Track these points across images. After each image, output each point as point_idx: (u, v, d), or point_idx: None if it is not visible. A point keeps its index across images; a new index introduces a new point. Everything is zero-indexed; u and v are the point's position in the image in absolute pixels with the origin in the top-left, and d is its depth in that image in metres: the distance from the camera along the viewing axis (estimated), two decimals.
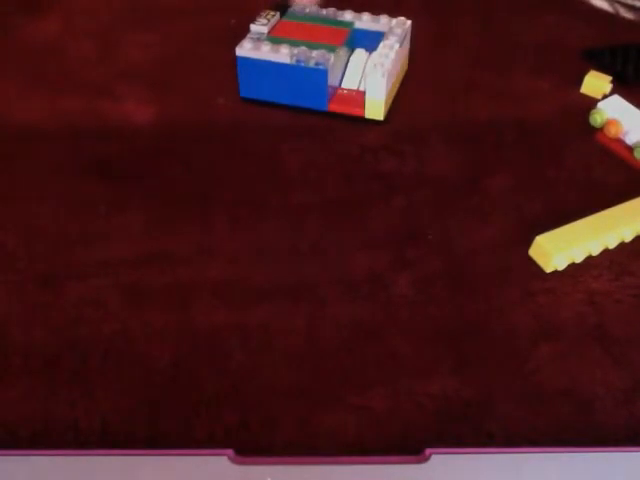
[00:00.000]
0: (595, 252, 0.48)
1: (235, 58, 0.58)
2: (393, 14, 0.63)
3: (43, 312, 0.44)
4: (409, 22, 0.62)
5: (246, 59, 0.58)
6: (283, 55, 0.56)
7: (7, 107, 0.60)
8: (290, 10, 0.63)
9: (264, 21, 0.60)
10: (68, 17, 0.72)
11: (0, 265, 0.47)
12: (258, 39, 0.58)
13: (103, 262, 0.47)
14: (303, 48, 0.57)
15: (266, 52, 0.57)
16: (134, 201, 0.52)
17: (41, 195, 0.52)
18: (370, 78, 0.56)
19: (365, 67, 0.59)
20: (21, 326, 0.43)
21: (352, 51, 0.60)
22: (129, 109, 0.60)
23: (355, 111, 0.58)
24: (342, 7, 0.64)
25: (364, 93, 0.58)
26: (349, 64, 0.59)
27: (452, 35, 0.70)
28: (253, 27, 0.60)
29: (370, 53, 0.59)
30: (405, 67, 0.64)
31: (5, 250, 0.48)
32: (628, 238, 0.49)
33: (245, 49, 0.57)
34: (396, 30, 0.61)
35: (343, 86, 0.60)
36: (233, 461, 0.36)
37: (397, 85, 0.62)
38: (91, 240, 0.49)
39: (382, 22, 0.62)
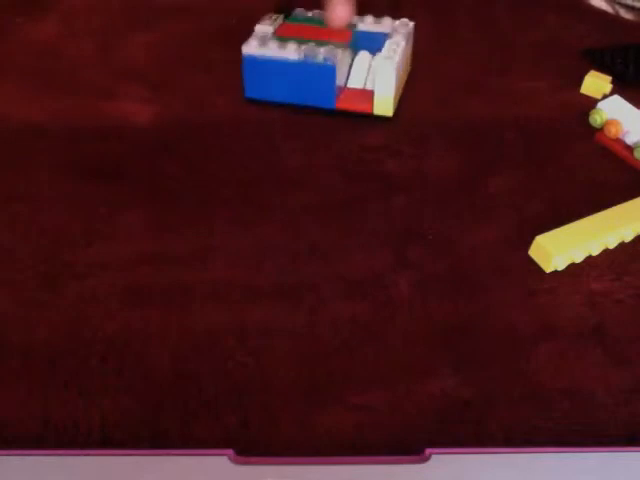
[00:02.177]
0: (595, 252, 0.48)
1: (236, 58, 0.58)
2: (393, 15, 0.63)
3: (43, 312, 0.44)
4: (412, 23, 0.62)
5: (253, 57, 0.57)
6: (291, 52, 0.56)
7: (7, 107, 0.60)
8: (293, 14, 0.63)
9: (270, 21, 0.60)
10: (68, 17, 0.72)
11: (0, 265, 0.47)
12: (264, 38, 0.58)
13: (103, 262, 0.47)
14: (311, 45, 0.57)
15: (274, 49, 0.57)
16: (134, 201, 0.52)
17: (41, 195, 0.52)
18: (379, 72, 0.56)
19: (371, 66, 0.59)
20: (21, 326, 0.43)
21: (356, 53, 0.60)
22: (129, 109, 0.60)
23: (363, 108, 0.58)
24: None
25: (370, 91, 0.58)
26: (354, 65, 0.59)
27: (452, 35, 0.70)
28: (258, 27, 0.59)
29: (373, 55, 0.59)
30: (408, 68, 0.64)
31: (5, 250, 0.48)
32: (628, 238, 0.49)
33: (252, 47, 0.57)
34: (401, 30, 0.61)
35: (349, 86, 0.60)
36: (233, 461, 0.36)
37: (402, 85, 0.61)
38: (91, 240, 0.49)
39: (385, 24, 0.62)
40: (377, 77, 0.56)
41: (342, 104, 0.58)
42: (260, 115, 0.59)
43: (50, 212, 0.51)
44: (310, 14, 0.63)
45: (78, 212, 0.51)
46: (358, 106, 0.58)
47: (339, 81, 0.58)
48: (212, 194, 0.52)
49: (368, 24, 0.62)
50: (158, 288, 0.46)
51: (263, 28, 0.59)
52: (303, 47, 0.56)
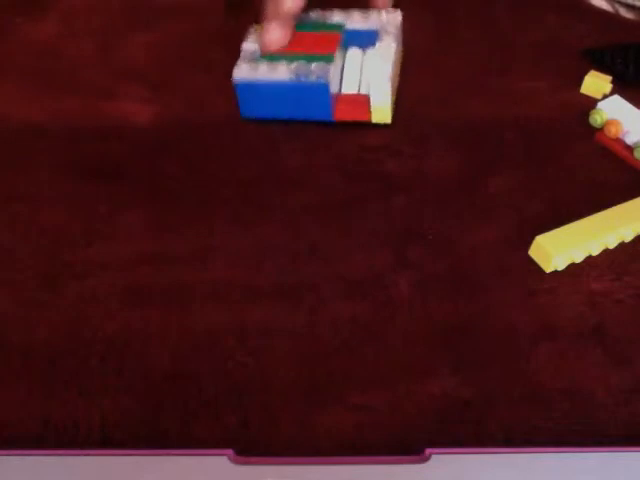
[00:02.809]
0: (595, 252, 0.48)
1: (236, 59, 0.57)
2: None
3: (43, 312, 0.44)
4: (400, 15, 0.61)
5: (245, 82, 0.56)
6: (282, 73, 0.55)
7: (7, 107, 0.60)
8: None
9: (255, 37, 0.58)
10: (67, 17, 0.71)
11: (0, 265, 0.47)
12: (252, 59, 0.57)
13: (103, 262, 0.47)
14: (301, 62, 0.56)
15: (264, 72, 0.56)
16: (134, 201, 0.52)
17: (41, 195, 0.52)
18: (374, 84, 0.56)
19: (362, 69, 0.58)
20: (21, 326, 0.43)
21: (346, 51, 0.59)
22: (129, 109, 0.60)
23: (361, 117, 0.58)
24: (330, 6, 0.62)
25: (366, 96, 0.57)
26: (345, 67, 0.59)
27: (452, 35, 0.70)
28: (245, 45, 0.58)
29: (364, 51, 0.58)
30: (400, 60, 0.63)
31: (5, 250, 0.48)
32: (628, 238, 0.49)
33: (242, 71, 0.56)
34: (389, 27, 0.60)
35: (343, 91, 0.59)
36: (233, 461, 0.36)
37: (397, 81, 0.61)
38: (91, 240, 0.49)
39: (373, 18, 0.61)
40: (372, 89, 0.56)
41: (340, 115, 0.58)
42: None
43: (50, 212, 0.51)
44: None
45: (78, 212, 0.51)
46: (356, 116, 0.58)
47: (333, 89, 0.57)
48: (212, 194, 0.52)
49: (355, 22, 0.61)
50: (158, 288, 0.46)
51: (250, 46, 0.58)
52: (293, 66, 0.56)
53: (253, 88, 0.57)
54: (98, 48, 0.67)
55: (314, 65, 0.56)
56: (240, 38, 0.59)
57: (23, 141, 0.57)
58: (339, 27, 0.61)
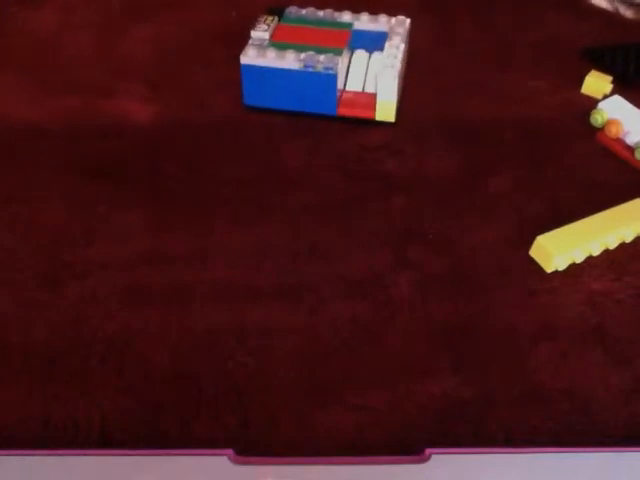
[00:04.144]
0: (595, 252, 0.48)
1: (236, 55, 0.57)
2: (390, 12, 0.63)
3: (43, 312, 0.44)
4: (408, 20, 0.62)
5: (251, 67, 0.56)
6: (290, 61, 0.55)
7: (7, 107, 0.60)
8: (286, 13, 0.62)
9: (264, 26, 0.59)
10: (66, 13, 0.71)
11: (0, 265, 0.47)
12: (261, 45, 0.57)
13: (103, 262, 0.47)
14: (310, 53, 0.56)
15: (272, 59, 0.56)
16: (134, 201, 0.52)
17: (41, 195, 0.52)
18: (382, 80, 0.56)
19: (368, 68, 0.58)
20: (21, 326, 0.43)
21: (352, 52, 0.60)
22: (129, 107, 0.60)
23: (365, 114, 0.58)
24: (340, 7, 0.63)
25: (371, 95, 0.57)
26: (351, 66, 0.59)
27: (452, 34, 0.70)
28: (254, 33, 0.58)
29: (370, 54, 0.59)
30: (405, 63, 0.63)
31: (5, 250, 0.48)
32: (628, 238, 0.49)
33: (250, 57, 0.56)
34: (398, 29, 0.60)
35: (347, 89, 0.59)
36: (233, 461, 0.36)
37: (401, 83, 0.61)
38: (91, 240, 0.49)
39: (381, 22, 0.62)
40: (380, 85, 0.56)
41: (343, 110, 0.58)
42: (260, 115, 0.59)
43: (50, 212, 0.51)
44: (304, 12, 0.63)
45: (78, 212, 0.51)
46: (360, 112, 0.58)
47: (338, 85, 0.57)
48: (212, 194, 0.52)
49: (364, 22, 0.62)
50: (158, 288, 0.46)
51: (259, 34, 0.58)
52: (302, 55, 0.56)
53: (259, 73, 0.57)
54: (97, 45, 0.67)
55: (323, 56, 0.56)
56: (240, 35, 0.59)
57: (23, 141, 0.57)
58: (348, 25, 0.62)
